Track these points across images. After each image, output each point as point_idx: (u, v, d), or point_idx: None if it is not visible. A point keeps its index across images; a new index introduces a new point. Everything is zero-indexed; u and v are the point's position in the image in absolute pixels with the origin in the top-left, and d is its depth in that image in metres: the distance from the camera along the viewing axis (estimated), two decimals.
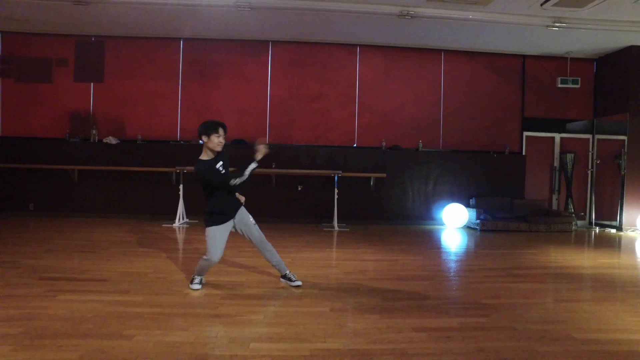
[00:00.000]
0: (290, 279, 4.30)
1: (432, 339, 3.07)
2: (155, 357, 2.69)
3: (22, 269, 4.64)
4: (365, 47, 9.55)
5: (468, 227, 9.09)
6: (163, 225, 8.13)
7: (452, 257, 6.31)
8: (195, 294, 4.00)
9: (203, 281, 4.24)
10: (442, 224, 9.29)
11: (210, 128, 3.86)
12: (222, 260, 5.25)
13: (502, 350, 2.91)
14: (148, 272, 4.73)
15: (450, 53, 9.72)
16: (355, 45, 9.52)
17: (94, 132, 9.04)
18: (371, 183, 9.22)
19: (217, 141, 3.87)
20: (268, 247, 4.22)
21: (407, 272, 5.13)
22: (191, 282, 4.18)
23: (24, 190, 8.89)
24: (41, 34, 9.00)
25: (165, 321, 3.30)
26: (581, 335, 3.21)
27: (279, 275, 4.39)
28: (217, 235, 3.96)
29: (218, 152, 3.95)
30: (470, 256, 6.51)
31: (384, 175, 9.15)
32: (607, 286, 4.73)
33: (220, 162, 3.95)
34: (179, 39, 9.29)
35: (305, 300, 3.89)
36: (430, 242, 7.43)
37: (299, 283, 4.29)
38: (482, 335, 3.18)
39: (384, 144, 9.46)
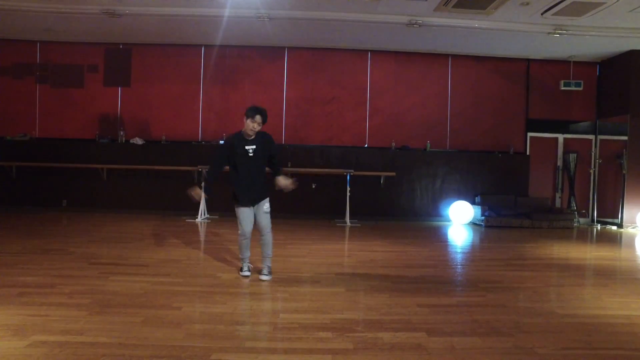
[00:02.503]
0: (261, 272, 4.48)
1: (434, 312, 3.61)
2: (203, 322, 3.27)
3: (73, 256, 5.26)
4: (376, 53, 10.07)
5: (473, 224, 9.56)
6: (186, 220, 8.73)
7: (457, 250, 6.83)
8: (227, 276, 4.56)
9: (250, 268, 4.57)
10: (449, 221, 9.77)
11: (249, 112, 4.21)
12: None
13: (493, 322, 3.43)
14: (182, 259, 5.31)
15: (457, 58, 10.18)
16: (366, 51, 10.04)
17: (121, 133, 9.70)
18: (381, 181, 9.74)
19: (250, 125, 4.20)
20: (266, 238, 4.43)
21: (414, 261, 5.67)
22: (241, 270, 4.57)
23: (57, 187, 9.57)
24: (74, 43, 9.68)
25: (205, 297, 3.88)
26: (563, 311, 3.72)
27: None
28: (240, 214, 4.39)
29: (255, 136, 4.26)
30: (473, 249, 7.03)
31: (394, 174, 9.65)
32: (596, 274, 5.23)
33: (253, 146, 4.26)
34: (201, 45, 9.89)
35: (323, 283, 4.45)
36: (436, 237, 7.94)
37: (268, 278, 4.44)
38: (476, 310, 3.70)
39: (393, 144, 9.97)
